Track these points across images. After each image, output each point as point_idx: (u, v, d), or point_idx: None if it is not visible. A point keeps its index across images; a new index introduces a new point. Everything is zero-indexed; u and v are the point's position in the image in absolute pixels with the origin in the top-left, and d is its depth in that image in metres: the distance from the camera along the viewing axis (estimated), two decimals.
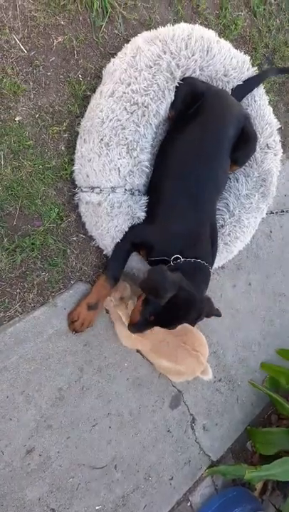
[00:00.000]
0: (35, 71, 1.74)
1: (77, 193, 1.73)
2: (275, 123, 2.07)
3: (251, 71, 2.00)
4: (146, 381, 2.01)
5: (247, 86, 2.00)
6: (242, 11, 2.46)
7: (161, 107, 1.69)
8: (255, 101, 2.04)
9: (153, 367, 2.01)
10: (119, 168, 1.59)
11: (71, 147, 1.81)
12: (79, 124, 1.82)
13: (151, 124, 1.66)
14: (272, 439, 2.28)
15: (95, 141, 1.59)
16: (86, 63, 1.87)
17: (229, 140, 1.75)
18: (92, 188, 1.63)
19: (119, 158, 1.59)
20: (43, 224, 1.74)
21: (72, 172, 1.78)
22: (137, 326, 1.59)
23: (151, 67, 1.64)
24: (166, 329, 1.85)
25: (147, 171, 1.70)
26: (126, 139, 1.59)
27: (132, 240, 1.69)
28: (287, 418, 2.48)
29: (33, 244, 1.70)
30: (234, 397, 2.37)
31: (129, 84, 1.59)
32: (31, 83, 1.73)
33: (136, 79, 1.60)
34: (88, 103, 1.84)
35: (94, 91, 1.87)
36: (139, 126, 1.62)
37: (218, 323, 2.29)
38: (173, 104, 1.74)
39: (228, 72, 1.92)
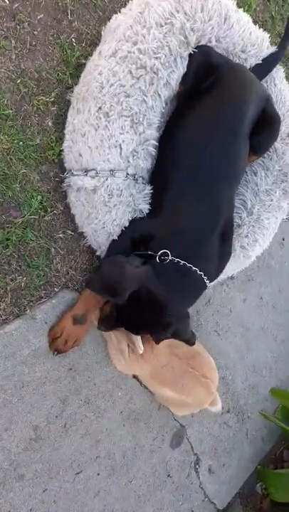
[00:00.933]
0: (18, 27, 1.41)
1: (66, 178, 1.38)
2: None
3: (271, 50, 1.73)
4: (144, 414, 1.63)
5: (266, 66, 1.71)
6: None
7: (173, 76, 1.37)
8: (275, 84, 1.76)
9: (152, 397, 1.65)
10: (120, 145, 1.26)
11: (60, 123, 1.47)
12: (71, 95, 1.49)
13: (160, 95, 1.34)
14: (287, 483, 1.93)
15: (92, 110, 1.25)
16: (81, 26, 1.55)
17: (249, 121, 1.45)
18: (86, 171, 1.29)
19: (121, 133, 1.25)
20: (21, 215, 1.37)
21: (60, 152, 1.44)
22: (103, 323, 1.34)
23: (162, 26, 1.33)
24: (170, 351, 1.52)
25: (154, 152, 1.37)
26: (130, 109, 1.26)
27: (132, 235, 1.34)
28: None
29: (8, 239, 1.33)
30: (244, 431, 2.01)
31: (135, 43, 1.27)
32: (13, 41, 1.40)
33: (144, 37, 1.28)
34: (82, 73, 1.52)
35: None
36: (146, 96, 1.30)
37: (227, 343, 1.95)
38: (184, 77, 1.43)
39: (247, 47, 1.63)
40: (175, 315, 1.25)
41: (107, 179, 1.27)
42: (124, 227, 1.35)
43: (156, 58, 1.30)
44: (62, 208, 1.47)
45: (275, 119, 1.55)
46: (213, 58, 1.47)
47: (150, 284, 1.19)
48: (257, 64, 1.68)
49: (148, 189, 1.36)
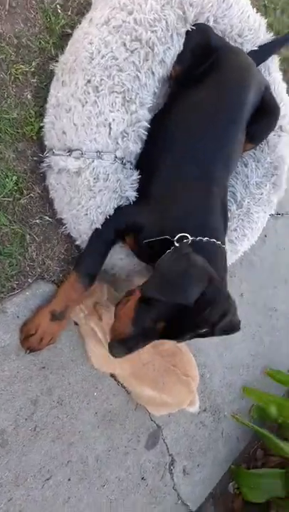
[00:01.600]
0: None
1: (46, 158, 1.25)
2: None
3: (267, 37, 1.65)
4: (120, 415, 1.54)
5: (262, 53, 1.63)
6: None
7: (168, 54, 1.27)
8: (269, 73, 1.68)
9: (129, 396, 1.55)
10: (110, 124, 1.14)
11: (41, 97, 1.33)
12: (52, 68, 1.35)
13: (154, 73, 1.23)
14: (261, 483, 1.90)
15: (79, 83, 1.12)
16: None
17: (249, 108, 1.37)
18: (70, 151, 1.16)
19: (111, 111, 1.13)
20: None
21: (40, 129, 1.30)
22: (128, 343, 1.05)
23: None
24: (154, 349, 1.43)
25: (144, 135, 1.26)
26: (123, 85, 1.14)
27: (117, 225, 1.23)
28: (276, 454, 2.12)
29: None
30: (219, 430, 1.96)
31: (131, 13, 1.15)
32: None
33: (140, 7, 1.16)
34: (68, 43, 1.38)
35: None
36: (140, 72, 1.18)
37: (206, 341, 1.88)
38: (180, 57, 1.33)
39: (244, 31, 1.54)
40: (228, 299, 1.07)
41: (93, 161, 1.16)
42: (109, 216, 1.24)
43: (153, 32, 1.19)
44: (39, 191, 1.34)
45: (274, 108, 1.48)
46: (212, 39, 1.38)
47: (213, 274, 1.02)
48: (253, 50, 1.60)
49: (135, 175, 1.25)
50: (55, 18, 1.37)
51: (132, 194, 1.24)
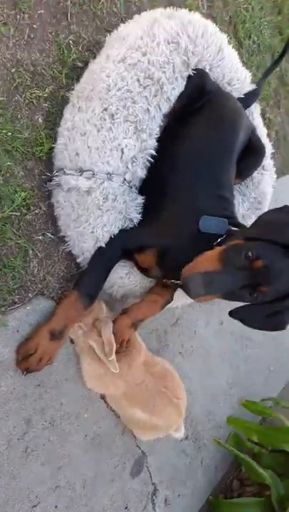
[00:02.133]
0: (18, 16, 1.34)
1: (56, 177, 1.30)
2: (269, 146, 1.92)
3: (251, 87, 1.85)
4: (108, 439, 1.52)
5: (246, 100, 1.83)
6: (231, 37, 2.39)
7: (173, 93, 1.39)
8: (253, 118, 1.87)
9: (117, 420, 1.54)
10: (122, 149, 1.22)
11: (50, 121, 1.40)
12: (63, 96, 1.44)
13: (161, 108, 1.35)
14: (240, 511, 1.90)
15: (96, 110, 1.21)
16: (79, 31, 1.52)
17: (238, 145, 1.51)
18: (81, 171, 1.22)
19: (124, 137, 1.22)
20: (2, 209, 1.25)
21: (50, 150, 1.36)
22: (212, 278, 0.95)
23: (169, 44, 1.35)
24: (146, 369, 1.45)
25: (148, 163, 1.35)
26: (136, 115, 1.24)
27: (124, 245, 1.28)
28: (252, 484, 2.13)
29: None
30: (199, 459, 1.96)
31: (145, 54, 1.27)
32: (12, 29, 1.32)
33: (153, 50, 1.29)
34: (78, 75, 1.48)
35: (86, 64, 1.52)
36: (150, 106, 1.29)
37: (190, 367, 1.92)
38: (180, 95, 1.46)
39: (233, 81, 1.72)
40: None
41: (103, 182, 1.22)
42: (113, 235, 1.29)
43: (163, 72, 1.31)
44: (44, 209, 1.37)
45: (260, 148, 1.64)
46: (208, 83, 1.53)
47: None
48: (239, 97, 1.78)
49: (140, 199, 1.33)
50: (68, 51, 1.47)
51: (136, 216, 1.31)
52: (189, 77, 1.46)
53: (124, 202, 1.28)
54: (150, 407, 1.44)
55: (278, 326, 1.11)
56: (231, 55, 1.68)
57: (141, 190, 1.40)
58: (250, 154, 1.61)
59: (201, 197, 1.30)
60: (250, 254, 0.96)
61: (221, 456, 2.08)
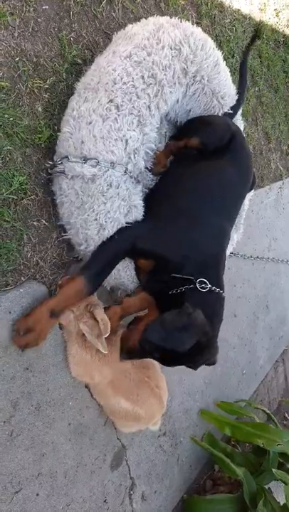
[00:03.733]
0: (25, 8, 1.39)
1: (58, 165, 1.32)
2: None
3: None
4: (90, 429, 1.52)
5: (232, 114, 1.95)
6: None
7: (170, 97, 1.46)
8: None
9: (100, 410, 1.55)
10: (127, 140, 1.27)
11: (49, 112, 1.44)
12: (63, 89, 1.48)
13: (159, 108, 1.41)
14: (214, 509, 1.92)
15: (102, 100, 1.25)
16: (80, 29, 1.59)
17: (248, 186, 1.69)
18: (86, 159, 1.26)
19: (128, 129, 1.27)
20: (0, 191, 1.27)
21: (48, 139, 1.39)
22: (132, 354, 1.25)
23: (172, 50, 1.43)
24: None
25: (150, 154, 1.41)
26: (139, 110, 1.30)
27: (135, 242, 1.31)
28: (224, 484, 2.16)
29: None
30: (175, 456, 1.98)
31: (150, 54, 1.34)
32: (17, 19, 1.36)
33: (158, 51, 1.36)
34: (77, 71, 1.54)
35: (85, 62, 1.58)
36: (152, 103, 1.36)
37: None
38: (206, 138, 1.55)
39: (225, 95, 1.82)
40: (216, 348, 1.31)
41: (107, 170, 1.26)
42: (121, 229, 1.32)
43: (165, 74, 1.39)
44: (41, 196, 1.39)
45: (253, 178, 1.80)
46: (232, 126, 1.64)
47: (208, 329, 1.21)
48: (226, 112, 1.90)
49: (140, 188, 1.38)
50: (69, 47, 1.52)
51: (139, 203, 1.36)
52: (219, 123, 1.60)
53: (127, 189, 1.32)
54: (134, 397, 1.46)
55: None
56: (225, 71, 1.79)
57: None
58: None
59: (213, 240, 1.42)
60: (152, 347, 1.21)
61: (195, 455, 2.11)
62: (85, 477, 1.49)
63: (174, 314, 1.20)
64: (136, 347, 1.23)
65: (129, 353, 1.25)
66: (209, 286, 1.27)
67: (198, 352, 1.21)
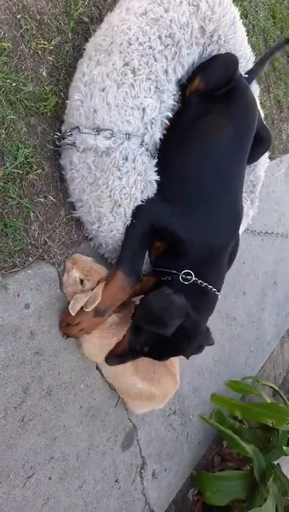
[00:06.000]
0: None
1: (67, 136, 1.21)
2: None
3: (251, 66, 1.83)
4: (102, 411, 1.48)
5: (248, 79, 1.81)
6: None
7: (187, 59, 1.34)
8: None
9: (111, 392, 1.51)
10: (144, 108, 1.16)
11: (54, 76, 1.32)
12: (68, 50, 1.36)
13: (175, 73, 1.29)
14: (223, 485, 1.93)
15: (117, 64, 1.13)
16: None
17: (253, 135, 1.52)
18: (99, 130, 1.15)
19: (146, 96, 1.16)
20: (4, 165, 1.17)
21: (54, 107, 1.28)
22: (121, 358, 1.27)
23: (190, 5, 1.29)
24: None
25: (165, 124, 1.31)
26: (157, 75, 1.18)
27: (152, 220, 1.25)
28: (232, 460, 2.17)
29: None
30: (185, 434, 1.97)
31: (167, 10, 1.20)
32: None
33: (175, 7, 1.23)
34: (84, 31, 1.41)
35: (92, 21, 1.45)
36: (169, 66, 1.24)
37: None
38: (210, 74, 1.39)
39: (240, 58, 1.67)
40: (205, 333, 1.28)
41: (123, 142, 1.16)
42: (138, 207, 1.24)
43: (182, 34, 1.26)
44: (48, 170, 1.30)
45: (267, 136, 1.66)
46: (236, 71, 1.47)
47: (191, 312, 1.19)
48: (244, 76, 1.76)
49: (154, 162, 1.28)
50: (75, 4, 1.38)
51: (155, 178, 1.26)
52: (219, 58, 1.42)
53: (144, 163, 1.22)
54: (150, 375, 1.42)
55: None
56: (242, 30, 1.64)
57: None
58: (258, 142, 1.60)
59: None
60: (140, 342, 1.23)
61: (204, 432, 2.11)
62: (96, 459, 1.47)
63: (154, 295, 1.21)
64: (125, 350, 1.25)
65: (118, 356, 1.27)
66: (194, 279, 1.25)
67: (184, 337, 1.20)
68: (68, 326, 1.24)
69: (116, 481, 1.57)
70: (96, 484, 1.47)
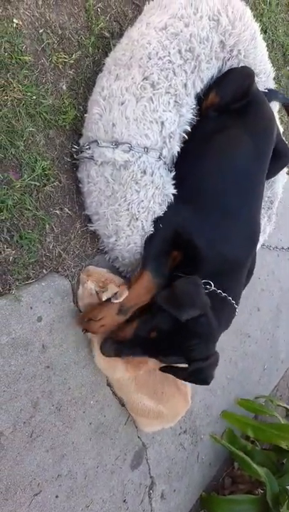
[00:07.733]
0: None
1: (86, 150, 1.21)
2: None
3: (273, 85, 1.81)
4: (111, 428, 1.45)
5: (268, 96, 1.79)
6: None
7: (207, 74, 1.33)
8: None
9: (121, 409, 1.48)
10: (163, 122, 1.15)
11: (74, 90, 1.33)
12: (88, 65, 1.37)
13: (195, 87, 1.29)
14: (234, 509, 1.86)
15: (136, 78, 1.13)
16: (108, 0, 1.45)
17: (272, 150, 1.50)
18: (117, 144, 1.14)
19: (164, 110, 1.15)
20: (21, 177, 1.17)
21: (73, 120, 1.29)
22: (118, 347, 1.18)
23: (210, 20, 1.29)
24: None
25: (183, 137, 1.30)
26: (176, 88, 1.18)
27: (176, 227, 1.24)
28: (244, 482, 2.10)
29: (2, 202, 1.12)
30: (195, 454, 1.91)
31: (187, 25, 1.20)
32: None
33: (195, 22, 1.23)
34: (104, 46, 1.42)
35: (113, 35, 1.46)
36: (188, 81, 1.23)
37: None
38: (224, 89, 1.38)
39: (260, 73, 1.66)
40: (215, 354, 1.21)
41: (141, 156, 1.15)
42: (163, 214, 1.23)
43: (202, 48, 1.25)
44: (65, 182, 1.30)
45: (286, 151, 1.62)
46: (253, 83, 1.46)
47: (210, 313, 1.14)
48: (263, 91, 1.74)
49: (172, 175, 1.27)
50: (96, 19, 1.40)
51: (172, 191, 1.25)
52: (235, 71, 1.41)
53: (161, 177, 1.21)
54: (158, 395, 1.39)
55: (203, 382, 1.23)
56: (262, 45, 1.63)
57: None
58: (276, 157, 1.57)
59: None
60: (150, 326, 1.17)
61: (215, 452, 2.05)
62: (105, 477, 1.43)
63: (184, 279, 1.17)
64: (126, 338, 1.18)
65: (116, 343, 1.18)
66: (213, 288, 1.22)
67: (194, 334, 1.14)
68: (90, 321, 1.20)
69: (124, 501, 1.52)
70: (104, 504, 1.43)
